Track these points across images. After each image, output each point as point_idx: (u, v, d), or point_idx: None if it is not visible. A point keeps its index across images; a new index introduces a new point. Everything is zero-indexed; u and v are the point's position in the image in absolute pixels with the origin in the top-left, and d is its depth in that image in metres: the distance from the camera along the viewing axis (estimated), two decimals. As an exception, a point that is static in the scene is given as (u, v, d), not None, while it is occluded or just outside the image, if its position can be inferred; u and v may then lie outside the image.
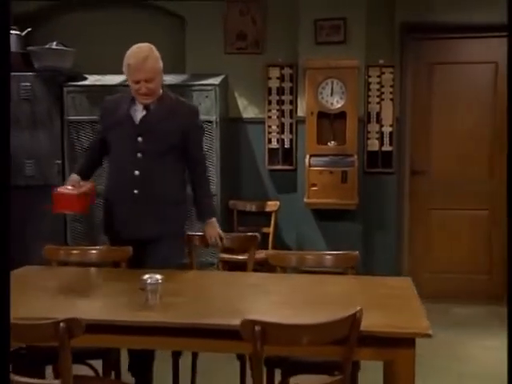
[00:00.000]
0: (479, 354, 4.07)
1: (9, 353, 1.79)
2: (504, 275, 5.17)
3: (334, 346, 2.07)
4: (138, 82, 2.88)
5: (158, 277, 2.42)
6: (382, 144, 4.92)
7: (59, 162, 4.81)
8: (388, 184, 5.02)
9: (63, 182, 4.83)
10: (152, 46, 2.97)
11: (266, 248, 4.74)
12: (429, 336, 2.09)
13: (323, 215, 4.78)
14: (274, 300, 2.53)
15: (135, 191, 2.98)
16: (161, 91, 3.00)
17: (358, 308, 2.05)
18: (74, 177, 3.01)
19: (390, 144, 4.93)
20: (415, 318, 2.25)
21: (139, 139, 2.98)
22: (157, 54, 2.94)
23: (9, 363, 1.80)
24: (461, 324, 4.59)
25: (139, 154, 2.98)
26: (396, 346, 2.13)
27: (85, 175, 3.08)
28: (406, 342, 2.13)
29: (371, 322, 2.11)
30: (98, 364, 2.82)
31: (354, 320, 2.04)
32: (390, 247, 5.06)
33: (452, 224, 5.20)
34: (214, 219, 3.14)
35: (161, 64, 2.95)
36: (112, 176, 3.09)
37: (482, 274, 5.23)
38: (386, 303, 2.42)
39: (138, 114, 3.00)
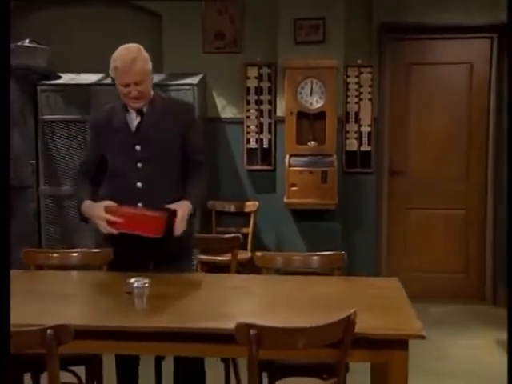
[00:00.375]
0: (458, 353, 4.10)
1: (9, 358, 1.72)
2: (480, 274, 5.24)
3: (327, 348, 2.05)
4: (127, 86, 2.72)
5: (145, 280, 2.37)
6: (360, 144, 4.93)
7: (33, 162, 4.71)
8: (367, 184, 5.03)
9: (37, 182, 4.76)
10: (140, 47, 2.81)
11: (245, 249, 4.71)
12: (423, 337, 2.08)
13: (302, 215, 4.76)
14: (263, 302, 2.50)
15: (139, 204, 2.80)
16: (152, 93, 2.85)
17: (353, 310, 2.04)
18: (107, 202, 2.75)
19: (369, 144, 4.94)
20: (407, 320, 2.24)
21: (137, 148, 2.82)
22: (145, 54, 2.79)
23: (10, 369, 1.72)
24: (438, 323, 4.62)
25: (139, 164, 2.82)
26: (389, 347, 2.12)
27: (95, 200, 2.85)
28: (399, 344, 2.12)
29: (364, 324, 2.09)
30: (80, 370, 2.75)
31: (349, 322, 2.02)
32: (368, 247, 5.06)
33: (429, 223, 5.24)
34: (189, 204, 2.78)
35: (150, 65, 2.80)
36: (111, 188, 2.87)
37: (459, 273, 5.28)
38: (377, 304, 2.41)
39: (133, 121, 2.84)
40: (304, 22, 4.65)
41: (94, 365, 2.76)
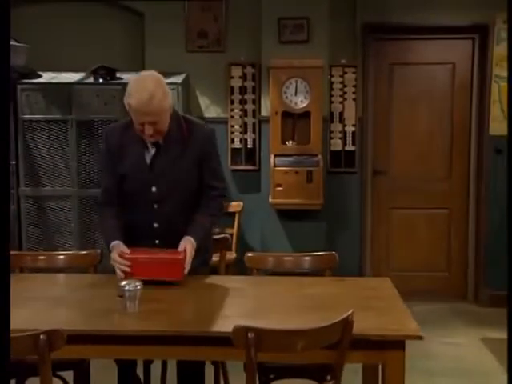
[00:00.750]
0: (445, 352, 4.12)
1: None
2: (462, 273, 5.27)
3: (325, 350, 2.03)
4: (141, 124, 2.53)
5: (137, 283, 2.33)
6: (344, 144, 4.92)
7: (13, 163, 4.61)
8: (351, 184, 5.03)
9: (17, 183, 4.66)
10: (159, 79, 2.55)
11: (230, 249, 4.66)
12: (420, 338, 2.08)
13: (287, 215, 4.74)
14: (257, 304, 2.46)
15: (156, 241, 2.71)
16: (168, 125, 2.62)
17: (350, 311, 2.02)
18: (121, 248, 2.58)
19: (353, 144, 4.93)
20: (403, 320, 2.23)
21: (153, 189, 2.67)
22: (164, 88, 2.53)
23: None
24: (423, 322, 4.59)
25: (155, 205, 2.68)
26: (386, 348, 2.10)
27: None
28: (396, 345, 2.11)
29: (361, 325, 2.07)
30: (68, 375, 2.69)
31: (347, 323, 2.00)
32: (353, 246, 5.06)
33: (412, 223, 5.26)
34: (193, 240, 2.63)
35: (168, 100, 2.55)
36: (128, 224, 2.72)
37: (441, 272, 5.30)
38: (371, 305, 2.39)
39: (149, 151, 2.66)
40: (288, 22, 4.63)
41: (81, 369, 2.71)
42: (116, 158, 2.69)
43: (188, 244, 2.62)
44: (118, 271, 2.55)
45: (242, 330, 1.88)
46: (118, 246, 2.59)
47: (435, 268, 5.29)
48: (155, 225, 2.69)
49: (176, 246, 2.62)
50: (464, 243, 5.23)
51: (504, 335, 4.34)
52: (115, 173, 2.70)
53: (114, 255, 2.56)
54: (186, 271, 2.59)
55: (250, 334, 1.87)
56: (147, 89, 2.48)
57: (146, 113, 2.49)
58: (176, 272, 2.55)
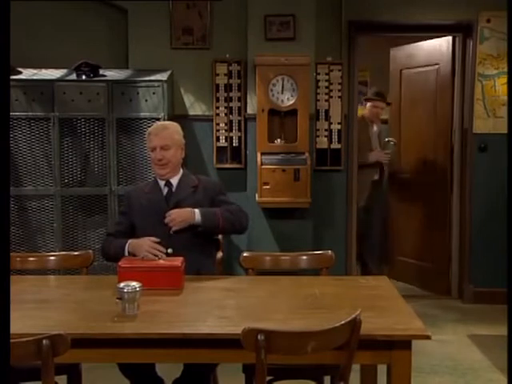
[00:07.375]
0: (434, 349, 4.12)
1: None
2: (446, 269, 5.31)
3: (333, 351, 2.01)
4: (154, 150, 2.90)
5: (136, 285, 2.27)
6: (330, 142, 4.90)
7: (-7, 161, 4.49)
8: (337, 181, 5.02)
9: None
10: (178, 125, 3.05)
11: (220, 249, 4.61)
12: (428, 337, 2.06)
13: (274, 214, 4.70)
14: (258, 305, 2.42)
15: None
16: (181, 170, 3.01)
17: (358, 311, 2.00)
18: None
19: (339, 142, 4.92)
20: (409, 319, 2.22)
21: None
22: (180, 130, 3.01)
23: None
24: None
25: (170, 250, 2.80)
26: (393, 348, 2.09)
27: None
28: (403, 344, 2.09)
29: (367, 325, 2.05)
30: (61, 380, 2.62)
31: (355, 324, 1.98)
32: (339, 244, 5.04)
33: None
34: (197, 212, 2.84)
35: (181, 139, 2.99)
36: None
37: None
38: (374, 304, 2.38)
39: (163, 191, 2.98)
40: (274, 19, 4.58)
41: (75, 373, 2.65)
42: (134, 206, 2.95)
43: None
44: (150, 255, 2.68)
45: (251, 332, 1.85)
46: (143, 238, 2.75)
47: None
48: (169, 250, 2.80)
49: (189, 271, 2.68)
50: (447, 241, 5.26)
51: (491, 331, 4.42)
52: (130, 220, 2.95)
53: (145, 241, 2.72)
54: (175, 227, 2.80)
55: (259, 336, 1.83)
56: (165, 123, 3.15)
57: (159, 136, 2.90)
58: (175, 280, 2.55)
